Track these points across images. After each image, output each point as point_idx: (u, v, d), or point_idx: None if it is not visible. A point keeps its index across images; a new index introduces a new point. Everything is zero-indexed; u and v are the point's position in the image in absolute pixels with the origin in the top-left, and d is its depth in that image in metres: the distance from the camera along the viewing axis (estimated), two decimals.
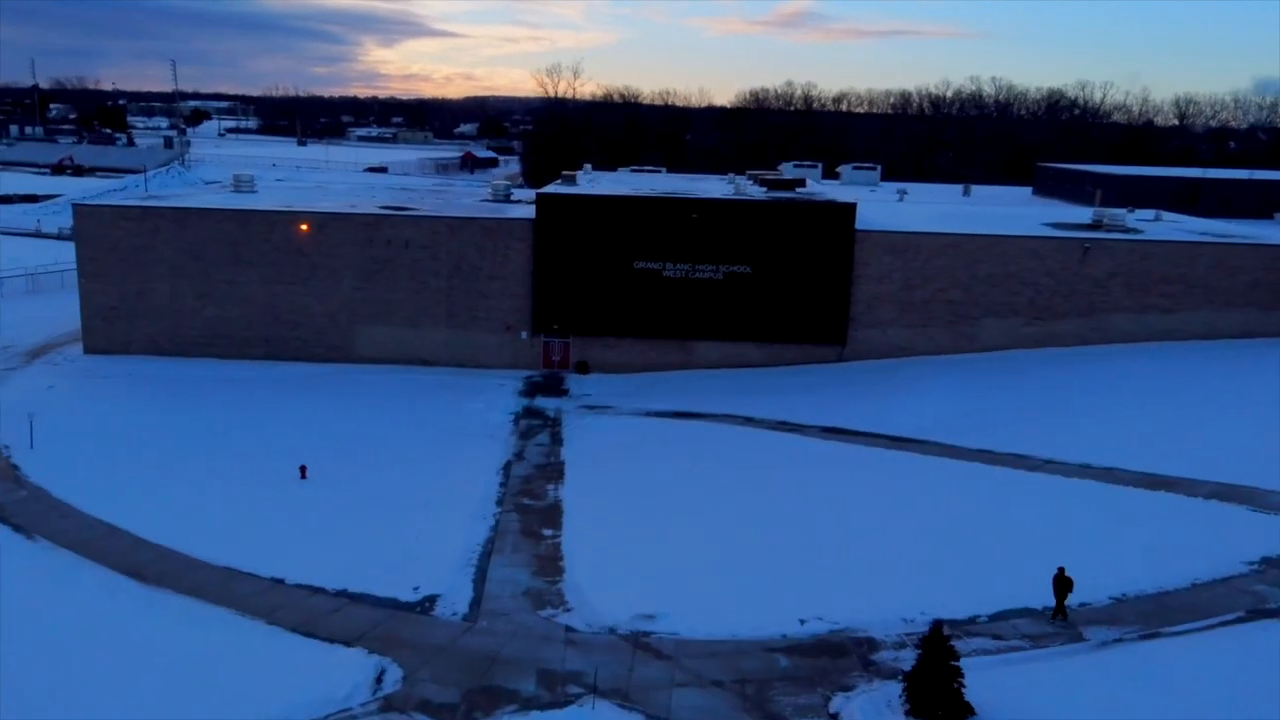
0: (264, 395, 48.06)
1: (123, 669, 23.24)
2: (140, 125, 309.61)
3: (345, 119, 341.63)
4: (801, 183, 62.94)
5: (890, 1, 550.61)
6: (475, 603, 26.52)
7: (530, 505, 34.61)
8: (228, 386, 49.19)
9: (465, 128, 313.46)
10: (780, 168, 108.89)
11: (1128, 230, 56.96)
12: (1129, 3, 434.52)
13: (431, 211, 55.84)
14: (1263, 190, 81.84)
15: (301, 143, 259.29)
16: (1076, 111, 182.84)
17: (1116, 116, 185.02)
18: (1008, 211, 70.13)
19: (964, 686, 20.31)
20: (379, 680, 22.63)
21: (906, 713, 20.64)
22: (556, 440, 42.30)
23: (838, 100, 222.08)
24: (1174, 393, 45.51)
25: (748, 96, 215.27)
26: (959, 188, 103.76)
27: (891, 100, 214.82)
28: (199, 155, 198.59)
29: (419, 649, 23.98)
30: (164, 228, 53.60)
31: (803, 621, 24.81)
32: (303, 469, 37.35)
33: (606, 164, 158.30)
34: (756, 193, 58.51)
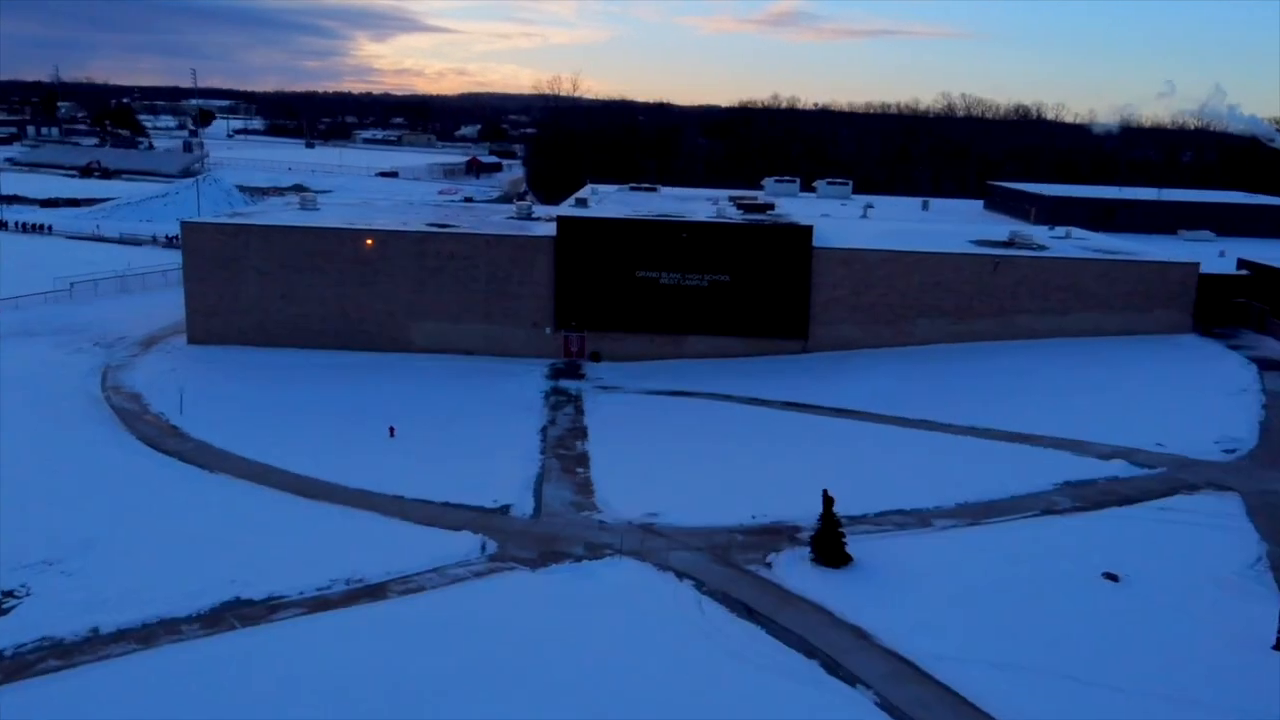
0: (341, 377, 61.04)
1: (310, 548, 36.21)
2: (148, 125, 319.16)
3: (349, 119, 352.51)
4: (772, 206, 76.20)
5: (880, 2, 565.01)
6: (537, 509, 39.84)
7: (565, 454, 47.84)
8: (310, 370, 62.19)
9: (466, 130, 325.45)
10: (763, 183, 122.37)
11: (1034, 247, 70.46)
12: (1121, 4, 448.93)
13: (471, 230, 68.88)
14: (1168, 210, 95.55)
15: (309, 145, 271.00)
16: (1035, 116, 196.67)
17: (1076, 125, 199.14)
18: (946, 229, 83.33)
19: (845, 542, 33.70)
20: (483, 549, 35.87)
21: (811, 560, 34.02)
22: (579, 411, 55.48)
23: (822, 111, 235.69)
24: (1058, 377, 59.05)
25: (736, 104, 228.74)
26: (920, 201, 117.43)
27: (871, 111, 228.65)
28: (215, 158, 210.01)
29: (505, 533, 37.27)
30: (253, 241, 66.59)
31: (754, 517, 38.16)
32: (391, 429, 50.43)
33: (604, 170, 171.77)
34: (734, 215, 71.78)
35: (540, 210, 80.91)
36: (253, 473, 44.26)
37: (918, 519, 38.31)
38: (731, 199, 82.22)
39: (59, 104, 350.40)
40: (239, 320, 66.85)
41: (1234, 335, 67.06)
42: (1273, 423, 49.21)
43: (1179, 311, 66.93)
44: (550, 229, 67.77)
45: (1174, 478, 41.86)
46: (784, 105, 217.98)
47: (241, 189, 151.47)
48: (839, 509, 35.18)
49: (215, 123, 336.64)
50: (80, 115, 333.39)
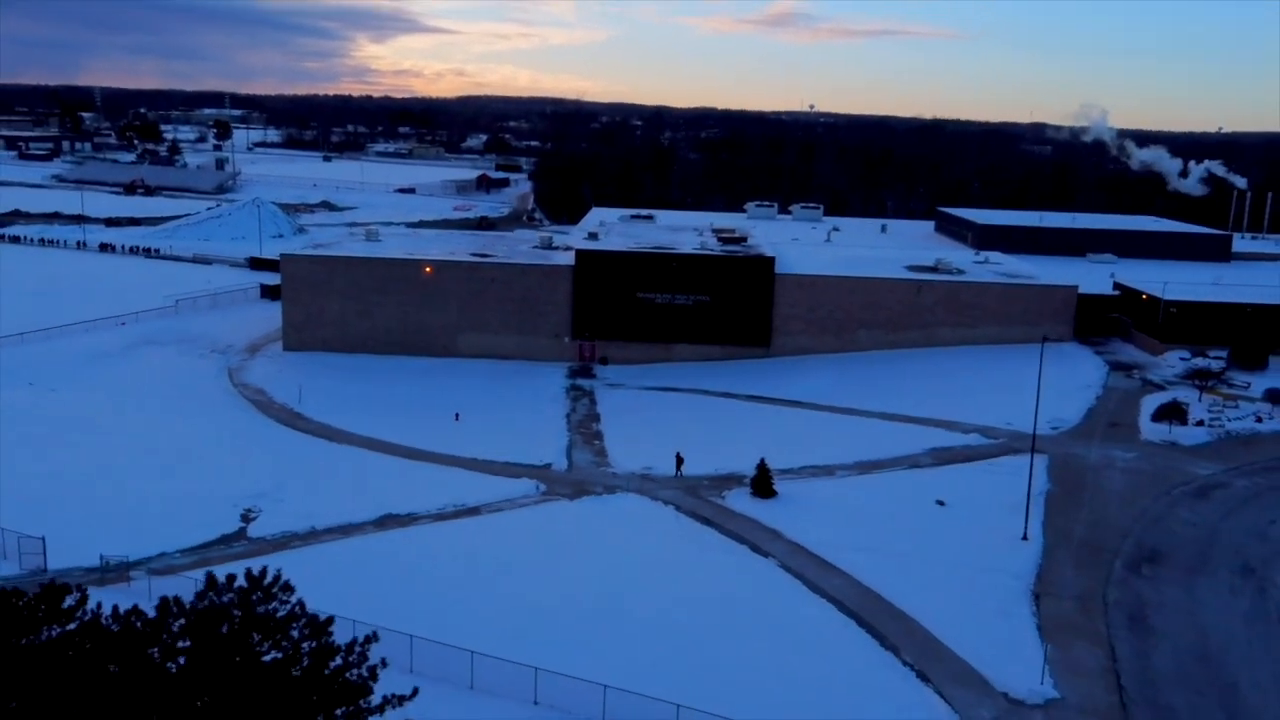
0: (408, 376, 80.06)
1: (425, 487, 55.18)
2: (167, 136, 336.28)
3: (360, 129, 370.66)
4: (745, 238, 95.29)
5: (878, 2, 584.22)
6: (570, 465, 59.06)
7: (585, 432, 66.95)
8: (383, 371, 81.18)
9: (471, 141, 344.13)
10: (746, 206, 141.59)
11: (953, 272, 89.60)
12: (1116, 4, 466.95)
13: (507, 259, 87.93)
14: (1079, 235, 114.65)
15: (326, 158, 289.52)
16: (1012, 126, 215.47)
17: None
18: (890, 254, 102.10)
19: (773, 481, 52.86)
20: (538, 488, 55.05)
21: (750, 494, 53.18)
22: (593, 402, 74.54)
23: (808, 124, 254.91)
24: (957, 376, 78.19)
25: (732, 109, 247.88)
26: (880, 224, 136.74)
27: (858, 114, 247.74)
28: (244, 174, 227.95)
29: (550, 479, 56.45)
30: (337, 269, 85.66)
31: (715, 470, 57.29)
32: (457, 415, 69.46)
33: (605, 186, 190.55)
34: (715, 246, 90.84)
35: (558, 239, 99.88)
36: (366, 443, 63.35)
37: (825, 470, 57.61)
38: (714, 229, 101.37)
39: (81, 115, 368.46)
40: (324, 332, 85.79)
41: (1105, 343, 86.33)
42: (1096, 409, 68.70)
43: (1062, 324, 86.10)
44: (569, 258, 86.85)
45: (1008, 445, 61.16)
46: (775, 109, 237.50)
47: (275, 205, 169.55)
48: (773, 463, 54.32)
49: (235, 133, 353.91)
50: (104, 127, 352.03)
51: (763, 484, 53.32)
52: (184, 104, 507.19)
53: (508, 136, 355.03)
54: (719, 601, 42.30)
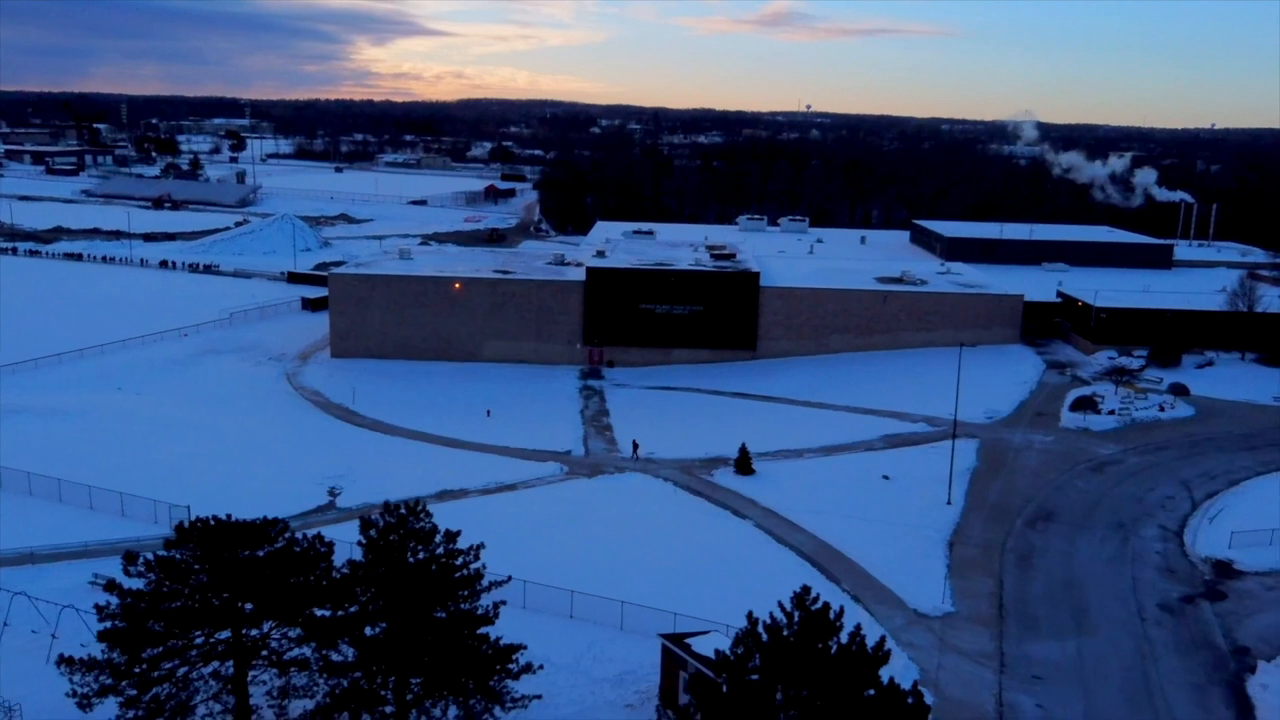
0: (441, 379, 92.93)
1: (470, 469, 67.97)
2: (183, 147, 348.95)
3: (368, 138, 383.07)
4: (735, 254, 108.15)
5: (875, 0, 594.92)
6: (586, 451, 72.00)
7: (597, 425, 79.80)
8: (419, 374, 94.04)
9: (476, 150, 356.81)
10: (738, 220, 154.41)
11: (916, 283, 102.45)
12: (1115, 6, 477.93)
13: (525, 276, 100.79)
14: (1035, 246, 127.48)
15: (338, 169, 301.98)
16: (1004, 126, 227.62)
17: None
18: (864, 266, 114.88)
19: (752, 461, 65.71)
20: (561, 469, 67.94)
21: (734, 472, 65.99)
22: (603, 400, 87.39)
23: (798, 140, 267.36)
24: (915, 374, 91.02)
25: (730, 109, 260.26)
26: (860, 235, 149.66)
27: (849, 114, 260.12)
28: (264, 188, 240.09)
29: (571, 462, 69.38)
30: (377, 286, 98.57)
31: (706, 453, 70.15)
32: (488, 411, 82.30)
33: (606, 195, 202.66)
34: (708, 261, 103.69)
35: (569, 254, 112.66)
36: (414, 435, 76.22)
37: (796, 454, 70.56)
38: (707, 245, 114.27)
39: (97, 126, 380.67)
40: (366, 340, 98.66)
41: (1048, 345, 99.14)
42: (1028, 402, 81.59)
43: (1011, 328, 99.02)
44: (580, 274, 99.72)
45: (948, 432, 73.83)
46: (772, 110, 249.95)
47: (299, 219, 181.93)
48: (754, 448, 67.12)
49: (249, 146, 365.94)
50: (120, 139, 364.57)
51: (744, 464, 66.14)
52: (190, 110, 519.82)
53: (510, 145, 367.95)
54: (706, 552, 55.08)
